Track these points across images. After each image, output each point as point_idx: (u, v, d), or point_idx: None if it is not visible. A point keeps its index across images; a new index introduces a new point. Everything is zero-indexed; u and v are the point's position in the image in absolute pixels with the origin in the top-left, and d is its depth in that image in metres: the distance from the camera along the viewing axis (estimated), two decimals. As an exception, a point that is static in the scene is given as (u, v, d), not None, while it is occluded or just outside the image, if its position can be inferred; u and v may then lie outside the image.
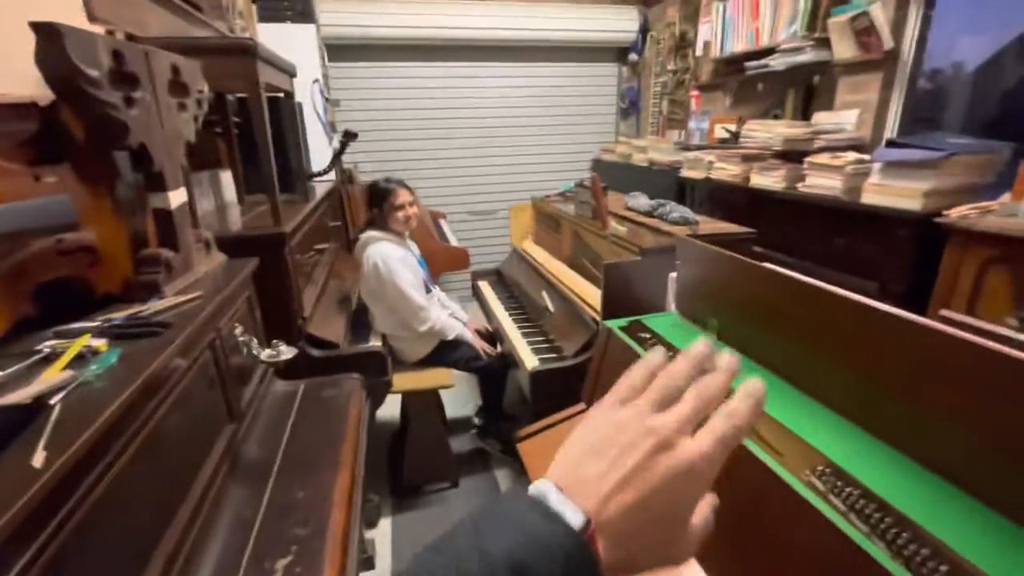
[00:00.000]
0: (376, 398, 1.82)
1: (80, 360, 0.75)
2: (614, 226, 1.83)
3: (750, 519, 0.80)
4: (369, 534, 1.88)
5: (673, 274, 1.36)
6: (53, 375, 0.68)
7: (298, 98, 2.19)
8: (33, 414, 0.59)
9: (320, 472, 1.06)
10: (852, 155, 1.96)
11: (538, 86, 4.05)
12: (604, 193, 1.94)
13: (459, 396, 2.66)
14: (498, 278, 2.87)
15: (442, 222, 3.96)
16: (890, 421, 0.81)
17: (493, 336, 2.19)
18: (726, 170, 2.53)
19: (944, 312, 1.55)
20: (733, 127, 2.80)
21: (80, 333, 0.82)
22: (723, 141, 2.84)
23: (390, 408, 2.36)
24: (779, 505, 0.76)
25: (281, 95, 2.00)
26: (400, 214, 1.98)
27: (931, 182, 1.63)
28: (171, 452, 0.81)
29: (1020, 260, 1.37)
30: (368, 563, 1.52)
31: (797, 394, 0.96)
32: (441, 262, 3.21)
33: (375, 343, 2.00)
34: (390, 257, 1.92)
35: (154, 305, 0.96)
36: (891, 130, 2.21)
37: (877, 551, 0.63)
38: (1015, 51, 1.96)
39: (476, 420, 2.47)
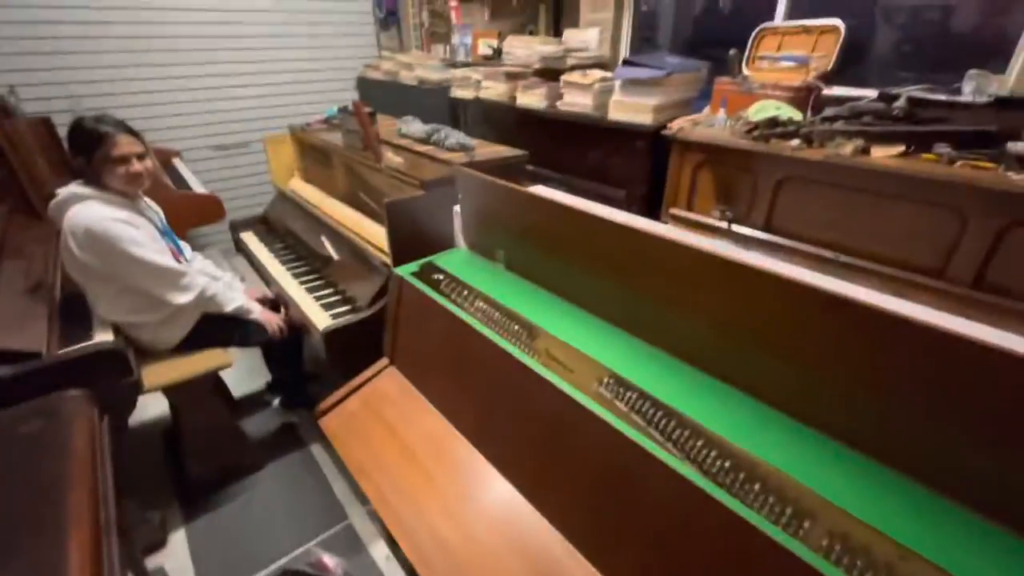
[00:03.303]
0: (121, 408, 1.43)
1: None
2: (389, 157, 1.67)
3: (552, 437, 0.87)
4: (158, 558, 1.57)
5: (457, 207, 1.31)
6: None
7: None
8: None
9: (38, 539, 0.78)
10: (598, 73, 2.12)
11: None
12: (372, 120, 1.73)
13: (245, 368, 2.30)
14: (266, 227, 2.46)
15: (177, 162, 3.16)
16: (652, 325, 0.94)
17: (276, 302, 1.87)
18: (493, 89, 2.53)
19: (673, 210, 1.88)
20: (495, 43, 2.78)
21: None
22: (487, 58, 2.81)
23: (159, 403, 1.92)
24: (573, 419, 0.83)
25: None
26: (121, 169, 1.42)
27: (657, 98, 1.89)
28: None
29: (718, 163, 1.70)
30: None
31: (583, 314, 1.04)
32: (186, 216, 2.58)
33: (103, 337, 1.52)
34: (104, 219, 1.40)
35: None
36: (625, 49, 2.46)
37: (652, 446, 0.74)
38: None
39: (267, 398, 2.19)
